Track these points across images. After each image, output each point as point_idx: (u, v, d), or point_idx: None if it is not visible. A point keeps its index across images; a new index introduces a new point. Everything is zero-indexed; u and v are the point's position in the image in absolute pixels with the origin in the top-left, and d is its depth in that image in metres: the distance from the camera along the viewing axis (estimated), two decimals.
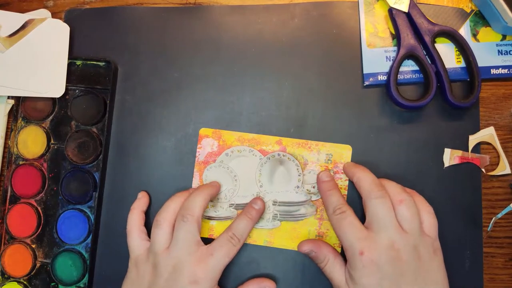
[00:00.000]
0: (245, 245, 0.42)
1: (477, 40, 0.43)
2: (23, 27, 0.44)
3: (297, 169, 0.42)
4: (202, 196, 0.39)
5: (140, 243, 0.40)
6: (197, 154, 0.43)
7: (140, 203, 0.42)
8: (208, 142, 0.43)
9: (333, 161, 0.42)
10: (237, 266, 0.42)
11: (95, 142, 0.44)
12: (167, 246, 0.38)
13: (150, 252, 0.39)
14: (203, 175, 0.43)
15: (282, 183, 0.43)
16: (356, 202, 0.42)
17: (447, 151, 0.42)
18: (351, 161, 0.42)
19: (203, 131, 0.44)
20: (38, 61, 0.44)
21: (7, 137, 0.46)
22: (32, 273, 0.44)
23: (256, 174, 0.43)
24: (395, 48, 0.43)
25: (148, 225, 0.42)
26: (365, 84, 0.43)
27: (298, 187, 0.42)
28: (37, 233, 0.44)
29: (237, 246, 0.39)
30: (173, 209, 0.39)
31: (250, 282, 0.41)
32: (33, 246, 0.44)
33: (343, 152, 0.42)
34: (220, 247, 0.38)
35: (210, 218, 0.43)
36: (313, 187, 0.42)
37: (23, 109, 0.45)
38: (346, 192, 0.42)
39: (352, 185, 0.42)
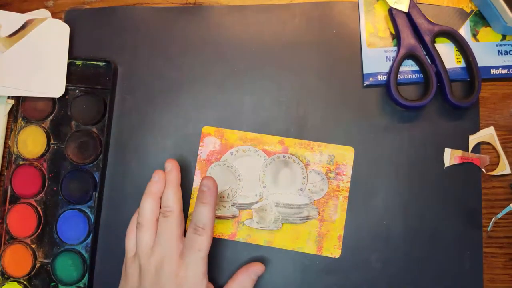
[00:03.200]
0: (244, 245, 0.43)
1: (477, 40, 0.43)
2: (23, 27, 0.44)
3: (302, 171, 0.42)
4: (173, 188, 0.39)
5: (135, 245, 0.40)
6: (199, 152, 0.43)
7: None
8: (210, 140, 0.43)
9: (335, 162, 0.42)
10: (236, 265, 0.42)
11: (95, 142, 0.44)
12: (153, 245, 0.38)
13: (136, 254, 0.39)
14: (206, 173, 0.43)
15: (285, 185, 0.43)
16: (358, 204, 0.42)
17: (447, 151, 0.42)
18: (354, 162, 0.42)
19: (205, 129, 0.44)
20: (38, 61, 0.44)
21: (7, 137, 0.46)
22: (32, 273, 0.44)
23: (260, 175, 0.43)
24: (395, 48, 0.43)
25: None
26: (365, 84, 0.43)
27: (302, 189, 0.42)
28: (37, 233, 0.44)
29: (204, 235, 0.37)
30: (149, 208, 0.39)
31: (239, 272, 0.40)
32: (33, 246, 0.44)
33: (346, 154, 0.42)
34: (189, 244, 0.37)
35: None
36: (315, 186, 0.42)
37: (23, 109, 0.45)
38: (347, 194, 0.42)
39: (354, 186, 0.42)
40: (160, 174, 0.40)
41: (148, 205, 0.39)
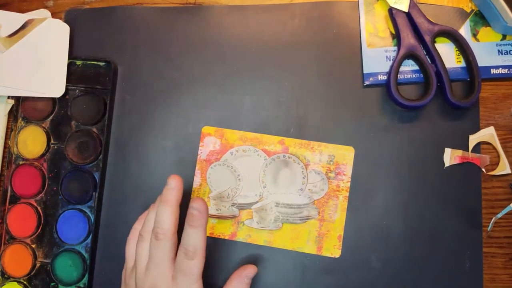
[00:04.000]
0: (244, 245, 0.42)
1: (477, 40, 0.43)
2: (23, 27, 0.44)
3: (302, 171, 0.42)
4: (170, 208, 0.36)
5: (135, 254, 0.39)
6: (199, 152, 0.43)
7: None
8: (210, 140, 0.43)
9: (335, 162, 0.42)
10: (236, 265, 0.42)
11: (95, 142, 0.44)
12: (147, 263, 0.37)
13: (134, 266, 0.38)
14: (207, 173, 0.43)
15: (285, 185, 0.43)
16: (358, 204, 0.42)
17: (448, 151, 0.42)
18: (354, 161, 0.42)
19: (205, 129, 0.44)
20: (38, 61, 0.44)
21: (7, 137, 0.46)
22: (32, 273, 0.44)
23: (260, 175, 0.43)
24: (395, 48, 0.43)
25: None
26: (365, 84, 0.43)
27: (302, 189, 0.42)
28: (37, 233, 0.44)
29: (195, 259, 0.35)
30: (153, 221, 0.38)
31: (232, 277, 0.39)
32: (33, 246, 0.44)
33: (346, 154, 0.42)
34: (180, 267, 0.35)
35: (211, 216, 0.43)
36: (315, 186, 0.42)
37: (23, 109, 0.45)
38: (347, 194, 0.42)
39: (354, 186, 0.42)
40: (177, 180, 0.37)
41: (153, 217, 0.37)
